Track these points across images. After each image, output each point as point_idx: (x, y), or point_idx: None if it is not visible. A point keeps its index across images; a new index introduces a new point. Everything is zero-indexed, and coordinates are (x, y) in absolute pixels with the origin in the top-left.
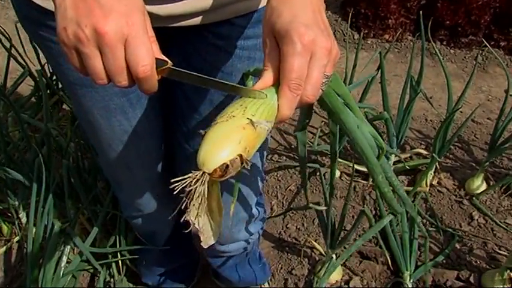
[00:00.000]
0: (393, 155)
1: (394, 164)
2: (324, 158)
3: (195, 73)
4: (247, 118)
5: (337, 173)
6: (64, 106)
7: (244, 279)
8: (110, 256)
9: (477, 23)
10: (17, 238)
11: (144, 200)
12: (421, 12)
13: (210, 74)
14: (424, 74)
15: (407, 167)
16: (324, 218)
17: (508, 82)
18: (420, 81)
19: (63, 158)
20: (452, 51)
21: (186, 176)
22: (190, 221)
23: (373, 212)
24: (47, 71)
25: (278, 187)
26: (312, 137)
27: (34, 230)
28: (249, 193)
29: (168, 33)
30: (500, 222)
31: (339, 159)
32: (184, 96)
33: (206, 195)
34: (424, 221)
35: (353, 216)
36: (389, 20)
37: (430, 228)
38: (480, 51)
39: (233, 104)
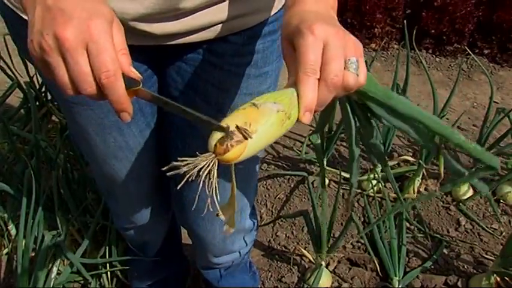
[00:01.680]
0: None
1: (381, 171)
2: (312, 166)
3: (167, 99)
4: (251, 102)
5: (326, 181)
6: (53, 118)
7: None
8: (101, 267)
9: (461, 32)
10: (6, 250)
11: (137, 211)
12: (405, 21)
13: (205, 90)
14: (410, 82)
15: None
16: (312, 226)
17: (492, 89)
18: (406, 89)
19: (52, 169)
20: (437, 59)
21: (193, 159)
22: (217, 212)
23: (361, 219)
24: (36, 82)
25: (267, 196)
26: (300, 146)
27: (24, 241)
28: (244, 205)
29: (163, 51)
30: (487, 227)
31: (327, 167)
32: None
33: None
34: (412, 227)
35: (341, 224)
36: (375, 29)
37: (418, 234)
38: (465, 59)
39: (253, 99)
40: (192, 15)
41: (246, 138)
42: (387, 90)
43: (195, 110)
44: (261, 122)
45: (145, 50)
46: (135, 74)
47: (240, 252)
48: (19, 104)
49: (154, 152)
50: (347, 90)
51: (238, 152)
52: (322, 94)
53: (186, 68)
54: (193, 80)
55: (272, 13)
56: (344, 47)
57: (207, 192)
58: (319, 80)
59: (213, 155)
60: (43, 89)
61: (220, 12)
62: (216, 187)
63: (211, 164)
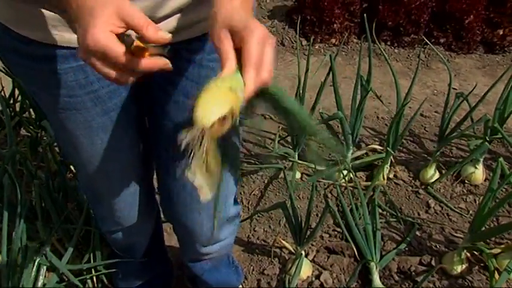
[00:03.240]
0: (350, 153)
1: (351, 161)
2: (284, 161)
3: None
4: (228, 86)
5: (298, 174)
6: (22, 131)
7: (221, 281)
8: (85, 273)
9: (417, 22)
10: None
11: (124, 212)
12: (365, 15)
13: (186, 86)
14: (372, 74)
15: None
16: (291, 217)
17: (450, 76)
18: (370, 80)
19: (33, 178)
20: (396, 50)
21: (186, 133)
22: (190, 178)
23: (336, 208)
24: (6, 93)
25: (242, 193)
26: (271, 143)
27: (6, 253)
28: (228, 192)
29: None
30: (455, 207)
31: (299, 161)
32: (162, 110)
33: (205, 152)
34: (385, 212)
35: (317, 215)
36: (335, 25)
37: (391, 219)
38: (422, 49)
39: (213, 80)
40: (167, 20)
41: (233, 119)
42: (276, 86)
43: (178, 107)
44: (238, 109)
45: None
46: (163, 39)
47: (226, 242)
48: None
49: (139, 151)
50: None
51: (224, 130)
52: (256, 84)
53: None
54: (174, 78)
55: None
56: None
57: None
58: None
59: (207, 130)
60: (11, 101)
61: (193, 13)
62: (205, 159)
63: (205, 138)
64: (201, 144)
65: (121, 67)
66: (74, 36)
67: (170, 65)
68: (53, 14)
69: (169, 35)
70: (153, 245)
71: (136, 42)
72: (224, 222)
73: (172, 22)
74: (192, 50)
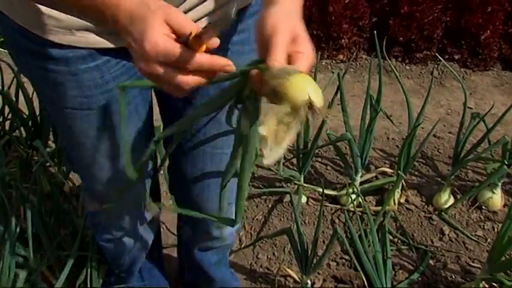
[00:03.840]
0: (359, 176)
1: (360, 185)
2: (289, 184)
3: None
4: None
5: (304, 199)
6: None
7: (225, 279)
8: None
9: (430, 38)
10: None
11: (130, 215)
12: (375, 30)
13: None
14: (382, 92)
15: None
16: (296, 244)
17: (465, 95)
18: (380, 99)
19: (24, 202)
20: (408, 67)
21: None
22: (265, 132)
23: (344, 235)
24: None
25: (244, 217)
26: (275, 165)
27: None
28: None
29: None
30: (471, 235)
31: (305, 184)
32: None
33: (290, 122)
34: (396, 239)
35: (323, 241)
36: (343, 40)
37: (402, 247)
38: (436, 66)
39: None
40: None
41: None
42: None
43: (197, 92)
44: None
45: None
46: (212, 45)
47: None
48: None
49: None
50: None
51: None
52: None
53: None
54: None
55: None
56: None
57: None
58: None
59: (310, 107)
60: (0, 119)
61: (210, 3)
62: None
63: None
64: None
65: (186, 66)
66: (96, 38)
67: (232, 66)
68: (76, 18)
69: (218, 41)
70: (151, 254)
71: (193, 34)
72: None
73: (203, 8)
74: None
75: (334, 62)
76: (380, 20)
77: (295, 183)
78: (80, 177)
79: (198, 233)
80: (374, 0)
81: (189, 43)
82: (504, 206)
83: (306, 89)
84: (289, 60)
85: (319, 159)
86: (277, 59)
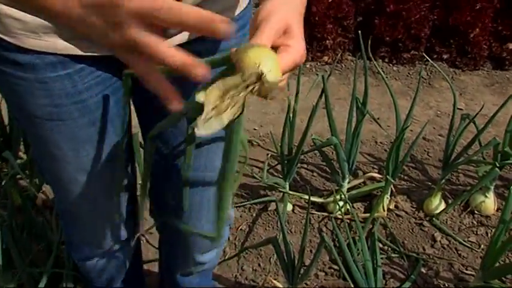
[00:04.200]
0: (346, 182)
1: (348, 191)
2: (273, 192)
3: None
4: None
5: (290, 207)
6: None
7: None
8: None
9: (417, 37)
10: None
11: (107, 234)
12: (359, 30)
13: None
14: (368, 95)
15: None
16: (283, 254)
17: (454, 95)
18: (366, 102)
19: None
20: (395, 68)
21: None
22: (203, 98)
23: (332, 243)
24: None
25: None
26: (259, 172)
27: None
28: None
29: None
30: (464, 241)
31: (290, 192)
32: (157, 111)
33: (236, 95)
34: (386, 247)
35: (311, 251)
36: (327, 41)
37: (393, 255)
38: (424, 66)
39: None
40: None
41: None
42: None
43: (174, 115)
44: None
45: (115, 60)
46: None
47: (218, 251)
48: None
49: (126, 164)
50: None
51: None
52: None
53: None
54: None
55: (238, 12)
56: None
57: None
58: None
59: (263, 79)
60: None
61: (208, 7)
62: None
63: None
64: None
65: (173, 17)
66: (65, 44)
67: (227, 22)
68: (42, 20)
69: None
70: (131, 271)
71: None
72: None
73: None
74: (193, 53)
75: (318, 64)
76: (365, 19)
77: (280, 191)
78: (52, 191)
79: (181, 259)
80: None
81: None
82: (497, 210)
83: (260, 61)
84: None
85: (305, 166)
86: (260, 42)
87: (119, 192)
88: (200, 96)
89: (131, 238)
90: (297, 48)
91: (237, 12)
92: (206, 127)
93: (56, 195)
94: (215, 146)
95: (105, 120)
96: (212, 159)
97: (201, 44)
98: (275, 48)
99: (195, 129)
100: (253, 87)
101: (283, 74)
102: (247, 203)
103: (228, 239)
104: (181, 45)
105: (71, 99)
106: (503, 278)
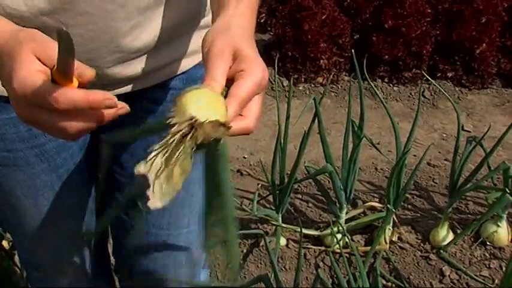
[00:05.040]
0: (344, 213)
1: (346, 223)
2: (265, 225)
3: None
4: (220, 97)
5: (283, 241)
6: None
7: None
8: None
9: (419, 55)
10: None
11: (72, 285)
12: (353, 50)
13: (145, 139)
14: (366, 118)
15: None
16: None
17: (458, 116)
18: (362, 125)
19: None
20: (395, 88)
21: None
22: (147, 175)
23: (330, 280)
24: None
25: (216, 265)
26: (249, 204)
27: None
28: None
29: None
30: (476, 275)
31: (283, 225)
32: (117, 164)
33: (177, 152)
34: (390, 283)
35: None
36: (321, 61)
37: None
38: (427, 86)
39: (198, 86)
40: (129, 62)
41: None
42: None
43: (134, 161)
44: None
45: None
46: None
47: None
48: None
49: (91, 212)
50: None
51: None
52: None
53: (123, 118)
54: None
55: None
56: None
57: None
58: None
59: (197, 122)
60: None
61: (160, 57)
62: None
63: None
64: (177, 142)
65: (57, 105)
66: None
67: (114, 99)
68: None
69: (93, 73)
70: None
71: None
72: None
73: (127, 68)
74: (154, 100)
75: (312, 85)
76: (362, 36)
77: (272, 224)
78: (12, 239)
79: None
80: (354, 14)
81: (54, 78)
82: (511, 241)
83: (187, 104)
84: (233, 81)
85: (299, 196)
86: (214, 80)
87: (87, 242)
88: (140, 169)
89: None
90: (253, 70)
91: (191, 66)
92: (160, 197)
93: (16, 244)
94: (178, 203)
95: (67, 165)
96: (177, 216)
97: (162, 91)
98: (231, 79)
99: (148, 204)
100: (193, 134)
101: (248, 99)
102: (237, 235)
103: (217, 278)
104: (142, 92)
105: (26, 143)
106: None
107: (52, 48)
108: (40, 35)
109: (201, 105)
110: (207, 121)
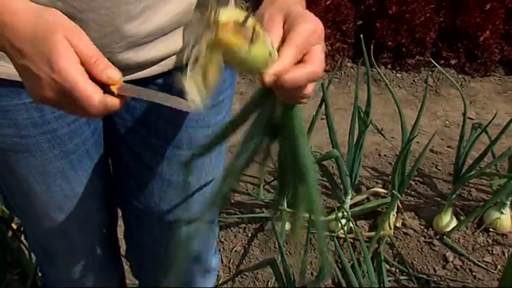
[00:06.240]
0: (349, 198)
1: (350, 208)
2: (270, 210)
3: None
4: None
5: (288, 225)
6: None
7: None
8: None
9: (423, 41)
10: None
11: (84, 273)
12: (361, 35)
13: (159, 127)
14: (371, 104)
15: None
16: (282, 277)
17: (464, 104)
18: (369, 111)
19: None
20: (399, 75)
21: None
22: (182, 80)
23: (334, 265)
24: None
25: (222, 249)
26: (254, 188)
27: None
28: (207, 244)
29: None
30: (479, 261)
31: (289, 209)
32: (130, 151)
33: (207, 55)
34: (393, 268)
35: (312, 273)
36: (325, 47)
37: (401, 277)
38: (430, 72)
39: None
40: (140, 47)
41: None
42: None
43: (150, 149)
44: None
45: None
46: (111, 80)
47: None
48: None
49: (103, 202)
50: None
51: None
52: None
53: (135, 104)
54: (145, 117)
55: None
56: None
57: None
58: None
59: (219, 24)
60: None
61: (171, 43)
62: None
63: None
64: (206, 49)
65: (97, 114)
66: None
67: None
68: None
69: (119, 75)
70: None
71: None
72: (201, 274)
73: (142, 53)
74: (166, 85)
75: None
76: (366, 22)
77: (277, 209)
78: (23, 226)
79: None
80: (358, 0)
81: (106, 89)
82: None
83: (229, 14)
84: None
85: None
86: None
87: (97, 231)
88: (179, 78)
89: (113, 279)
90: (306, 18)
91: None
92: (198, 99)
93: (27, 231)
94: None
95: (80, 152)
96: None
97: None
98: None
99: (190, 104)
100: (213, 32)
101: (305, 44)
102: (241, 219)
103: (222, 262)
104: (156, 77)
105: (38, 129)
106: None
107: (84, 40)
108: (67, 21)
109: (229, 11)
110: (228, 24)
